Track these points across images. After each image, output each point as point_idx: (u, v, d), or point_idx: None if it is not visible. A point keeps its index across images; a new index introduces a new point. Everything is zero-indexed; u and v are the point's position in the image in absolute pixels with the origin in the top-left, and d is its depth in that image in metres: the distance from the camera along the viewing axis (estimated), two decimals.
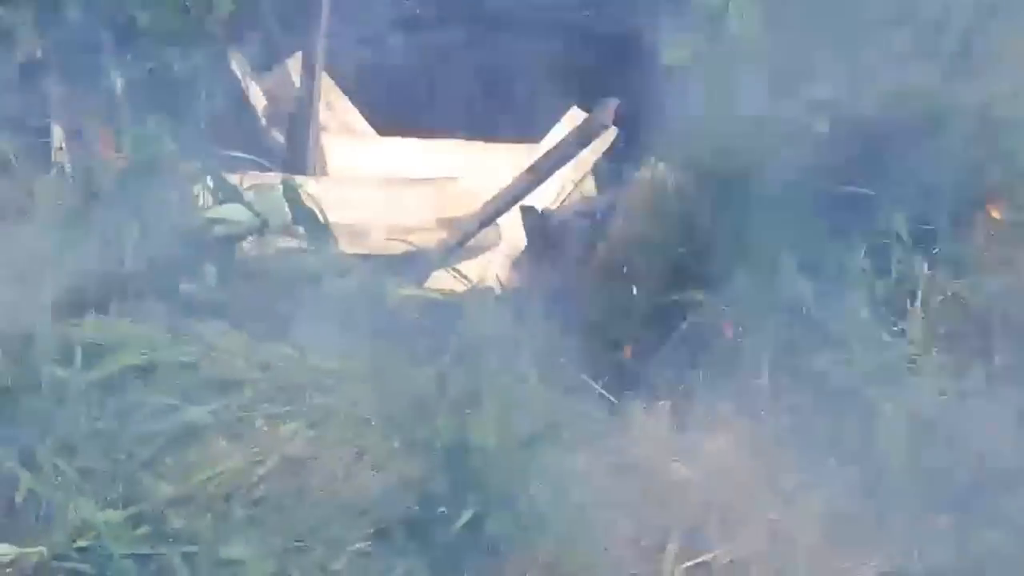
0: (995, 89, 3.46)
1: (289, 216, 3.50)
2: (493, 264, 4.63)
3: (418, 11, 5.48)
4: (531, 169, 4.38)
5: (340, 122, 5.45)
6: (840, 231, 3.45)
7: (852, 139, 3.50)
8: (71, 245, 3.56)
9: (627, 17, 5.53)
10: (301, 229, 3.56)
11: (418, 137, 5.41)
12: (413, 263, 4.29)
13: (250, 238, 3.56)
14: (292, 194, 3.56)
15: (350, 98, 5.58)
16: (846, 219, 3.46)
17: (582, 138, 4.21)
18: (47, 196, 3.79)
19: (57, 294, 3.37)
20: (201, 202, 3.68)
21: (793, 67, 3.62)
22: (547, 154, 4.40)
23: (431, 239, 4.60)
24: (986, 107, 3.47)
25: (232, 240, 3.50)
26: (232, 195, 3.54)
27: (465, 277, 3.79)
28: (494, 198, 4.48)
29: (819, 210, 3.47)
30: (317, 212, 3.60)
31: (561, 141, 4.34)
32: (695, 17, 3.76)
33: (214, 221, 3.49)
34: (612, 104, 4.05)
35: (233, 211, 3.51)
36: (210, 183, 3.73)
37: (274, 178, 3.95)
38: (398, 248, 4.42)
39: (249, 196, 3.56)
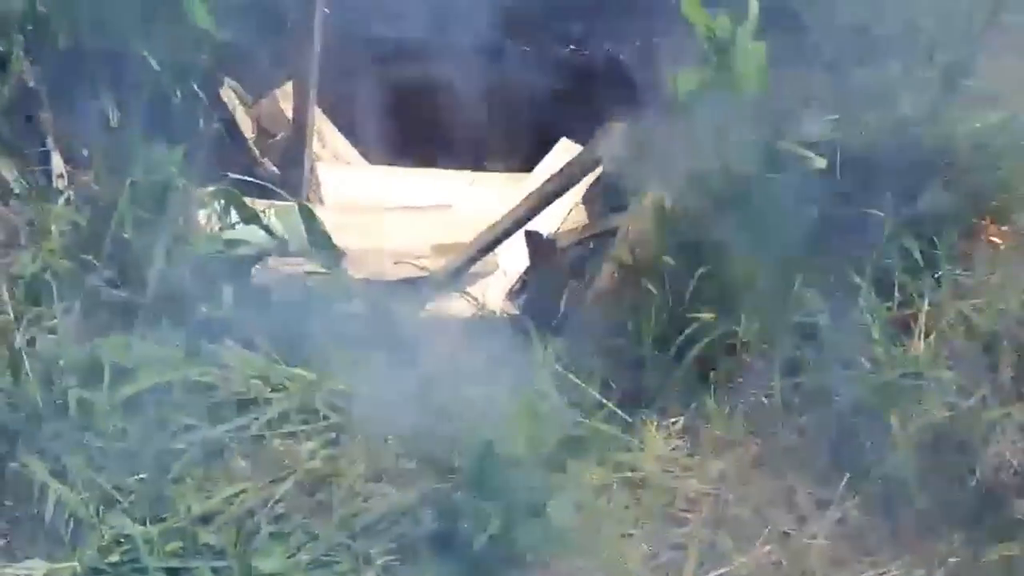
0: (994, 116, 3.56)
1: (307, 239, 3.55)
2: (491, 289, 4.68)
3: (407, 41, 5.55)
4: (533, 195, 4.42)
5: (332, 151, 5.51)
6: (846, 253, 3.54)
7: (855, 165, 3.59)
8: (89, 268, 3.60)
9: (617, 48, 5.65)
10: (316, 252, 3.59)
11: (409, 167, 5.50)
12: (415, 287, 4.34)
13: (266, 259, 3.60)
14: (308, 217, 3.60)
15: (340, 128, 5.65)
16: (851, 242, 3.54)
17: (588, 164, 4.24)
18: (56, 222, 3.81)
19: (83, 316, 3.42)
20: (214, 225, 3.72)
21: (795, 96, 3.70)
22: (550, 179, 4.44)
23: (429, 265, 4.65)
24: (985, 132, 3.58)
25: (250, 261, 3.54)
26: (250, 217, 3.58)
27: (474, 299, 3.84)
28: (495, 224, 4.52)
29: (824, 233, 3.55)
30: (331, 236, 3.64)
31: (565, 166, 4.38)
32: (695, 48, 3.82)
33: (232, 243, 3.52)
34: (620, 129, 4.08)
35: (251, 233, 3.55)
36: (218, 207, 3.77)
37: (282, 204, 3.98)
38: (397, 273, 4.47)
39: (266, 219, 3.61)
